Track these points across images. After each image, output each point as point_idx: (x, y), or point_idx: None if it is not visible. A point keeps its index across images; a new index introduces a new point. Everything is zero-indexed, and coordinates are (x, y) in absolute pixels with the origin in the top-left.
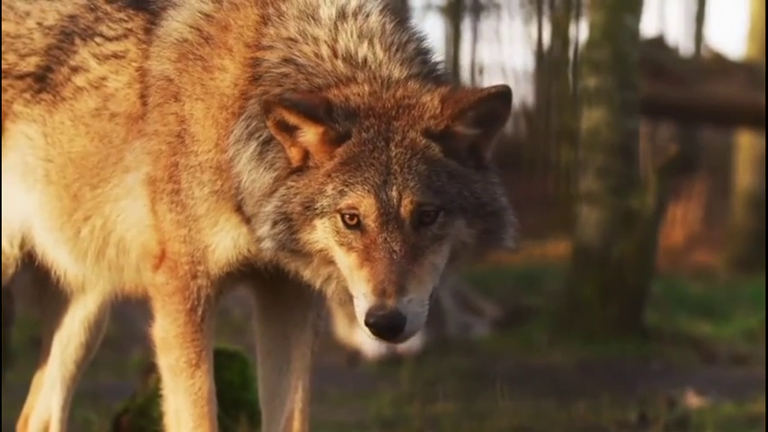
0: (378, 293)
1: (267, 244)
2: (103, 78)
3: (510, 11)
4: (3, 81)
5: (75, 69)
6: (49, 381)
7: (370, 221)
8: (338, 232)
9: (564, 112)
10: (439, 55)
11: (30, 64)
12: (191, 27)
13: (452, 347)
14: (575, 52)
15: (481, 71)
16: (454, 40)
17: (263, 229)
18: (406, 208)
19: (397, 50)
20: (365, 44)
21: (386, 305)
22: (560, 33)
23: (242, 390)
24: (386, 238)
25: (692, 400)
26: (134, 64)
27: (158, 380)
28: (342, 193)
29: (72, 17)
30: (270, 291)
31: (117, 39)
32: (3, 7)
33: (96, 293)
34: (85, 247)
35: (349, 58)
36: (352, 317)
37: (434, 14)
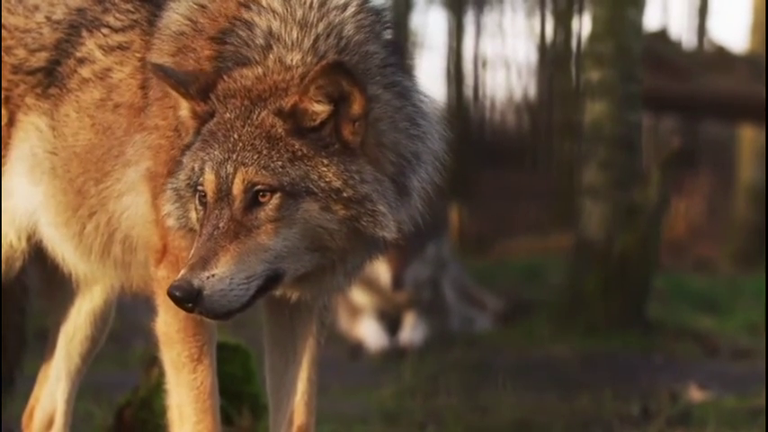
0: (187, 266)
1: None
2: (108, 69)
3: (513, 4)
4: (14, 76)
5: (81, 61)
6: (55, 373)
7: (209, 198)
8: (196, 209)
9: (567, 105)
10: (389, 53)
11: (40, 59)
12: (187, 19)
13: (455, 341)
14: (577, 46)
15: (484, 64)
16: (457, 33)
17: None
18: (237, 186)
19: (320, 40)
20: (296, 30)
21: (183, 276)
22: (563, 27)
23: (244, 383)
24: (216, 215)
25: (695, 394)
26: (137, 55)
27: (160, 373)
28: (201, 171)
29: (80, 10)
30: (288, 299)
31: (123, 30)
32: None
33: (103, 287)
34: (90, 243)
35: (277, 41)
36: (354, 310)
37: (438, 8)
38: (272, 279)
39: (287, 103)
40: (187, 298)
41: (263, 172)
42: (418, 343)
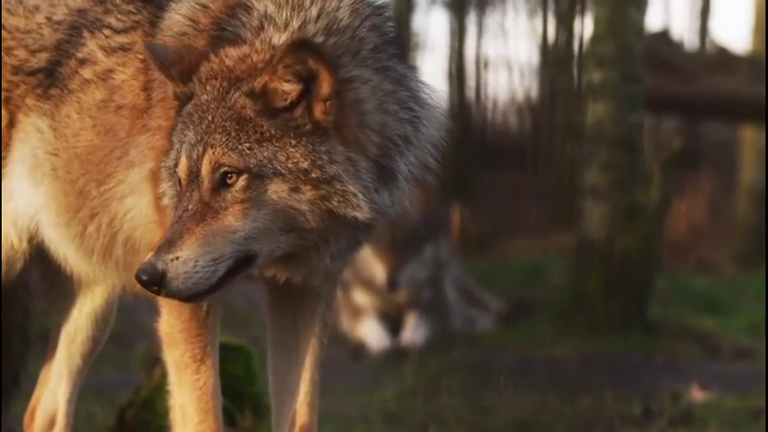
0: (154, 249)
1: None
2: (110, 71)
3: (515, 5)
4: (15, 77)
5: (82, 62)
6: (56, 374)
7: (182, 181)
8: (176, 192)
9: (568, 106)
10: (380, 36)
11: (40, 60)
12: (189, 19)
13: (456, 341)
14: (579, 46)
15: (486, 65)
16: (459, 34)
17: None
18: (205, 167)
19: (309, 22)
20: (287, 11)
21: (149, 260)
22: (565, 28)
23: (247, 383)
24: (186, 197)
25: (696, 395)
26: (140, 56)
27: (163, 373)
28: (179, 154)
29: (81, 11)
30: (279, 282)
31: (125, 31)
32: (12, 0)
33: (104, 287)
34: (92, 244)
35: (268, 22)
36: (355, 310)
37: (439, 9)
38: (244, 261)
39: (258, 83)
40: (152, 281)
41: (230, 153)
42: (420, 343)
